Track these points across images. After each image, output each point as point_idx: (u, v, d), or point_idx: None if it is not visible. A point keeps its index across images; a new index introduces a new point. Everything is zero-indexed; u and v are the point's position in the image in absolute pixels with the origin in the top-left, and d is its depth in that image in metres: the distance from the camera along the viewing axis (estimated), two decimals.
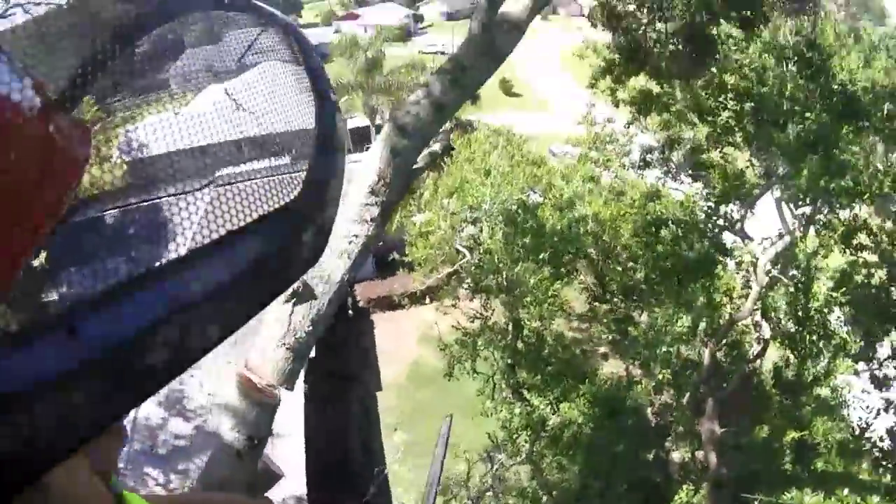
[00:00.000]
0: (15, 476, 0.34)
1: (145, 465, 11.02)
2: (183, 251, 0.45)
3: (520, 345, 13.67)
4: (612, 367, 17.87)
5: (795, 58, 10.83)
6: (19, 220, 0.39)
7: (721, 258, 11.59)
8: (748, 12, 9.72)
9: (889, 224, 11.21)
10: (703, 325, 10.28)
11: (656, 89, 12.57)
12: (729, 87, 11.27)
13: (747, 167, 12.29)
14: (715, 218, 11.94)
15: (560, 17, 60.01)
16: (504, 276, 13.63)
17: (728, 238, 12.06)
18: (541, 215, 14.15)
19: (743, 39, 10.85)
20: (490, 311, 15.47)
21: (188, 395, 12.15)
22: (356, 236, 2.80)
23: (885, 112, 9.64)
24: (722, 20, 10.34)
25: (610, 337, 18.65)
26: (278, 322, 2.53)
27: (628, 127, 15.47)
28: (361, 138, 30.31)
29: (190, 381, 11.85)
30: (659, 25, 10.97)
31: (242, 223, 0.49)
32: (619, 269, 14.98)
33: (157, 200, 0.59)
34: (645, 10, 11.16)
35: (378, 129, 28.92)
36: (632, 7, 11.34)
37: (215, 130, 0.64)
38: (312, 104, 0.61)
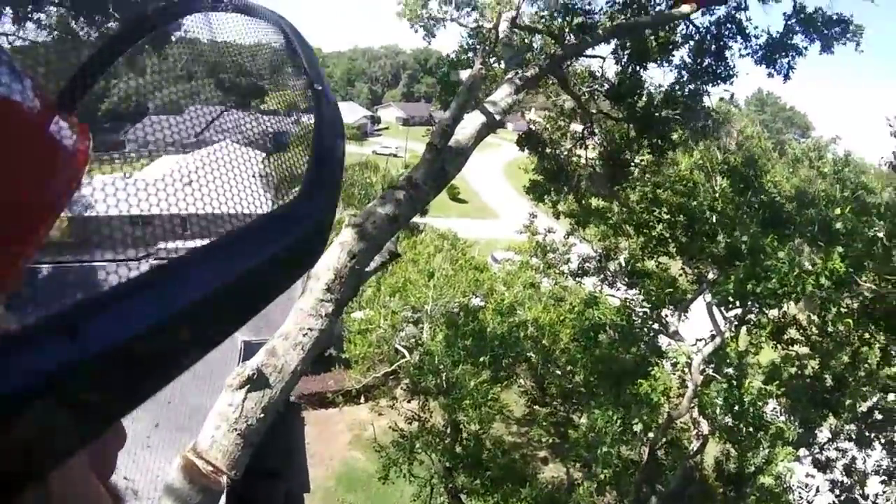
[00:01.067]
0: (15, 477, 0.33)
1: None
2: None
3: (458, 448, 13.26)
4: (552, 472, 17.47)
5: (729, 173, 11.80)
6: (20, 220, 0.40)
7: (657, 360, 11.88)
8: (657, 140, 10.80)
9: (816, 318, 11.79)
10: (640, 425, 10.31)
11: (595, 203, 13.38)
12: (662, 201, 12.11)
13: (680, 275, 12.98)
14: (650, 322, 12.37)
15: (507, 132, 62.20)
16: (444, 377, 13.45)
17: (663, 341, 12.45)
18: (482, 319, 14.29)
19: (654, 163, 11.87)
20: (428, 413, 15.06)
21: None
22: (311, 329, 2.90)
23: (809, 216, 10.41)
24: (636, 146, 11.40)
25: (549, 440, 18.40)
26: (230, 407, 2.51)
27: (567, 237, 16.23)
28: None
29: None
30: (580, 152, 12.05)
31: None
32: (559, 372, 15.07)
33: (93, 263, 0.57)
34: (567, 138, 12.31)
35: None
36: (557, 136, 12.46)
37: (162, 202, 0.61)
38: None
